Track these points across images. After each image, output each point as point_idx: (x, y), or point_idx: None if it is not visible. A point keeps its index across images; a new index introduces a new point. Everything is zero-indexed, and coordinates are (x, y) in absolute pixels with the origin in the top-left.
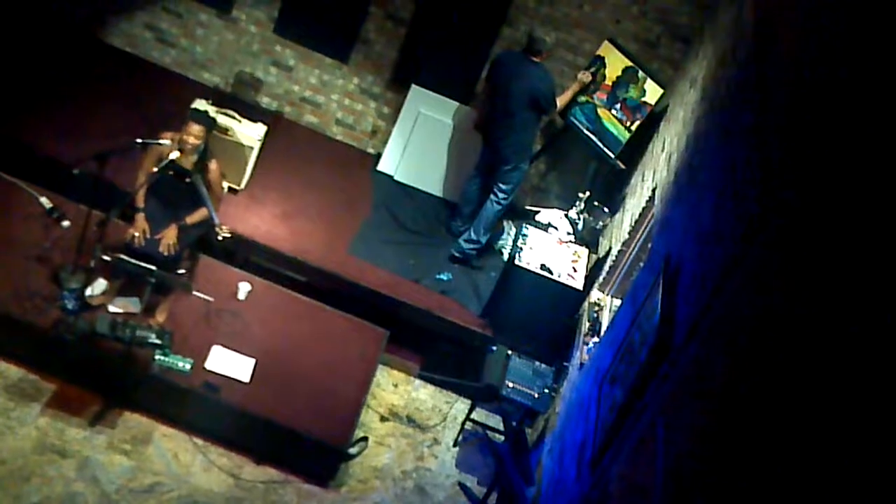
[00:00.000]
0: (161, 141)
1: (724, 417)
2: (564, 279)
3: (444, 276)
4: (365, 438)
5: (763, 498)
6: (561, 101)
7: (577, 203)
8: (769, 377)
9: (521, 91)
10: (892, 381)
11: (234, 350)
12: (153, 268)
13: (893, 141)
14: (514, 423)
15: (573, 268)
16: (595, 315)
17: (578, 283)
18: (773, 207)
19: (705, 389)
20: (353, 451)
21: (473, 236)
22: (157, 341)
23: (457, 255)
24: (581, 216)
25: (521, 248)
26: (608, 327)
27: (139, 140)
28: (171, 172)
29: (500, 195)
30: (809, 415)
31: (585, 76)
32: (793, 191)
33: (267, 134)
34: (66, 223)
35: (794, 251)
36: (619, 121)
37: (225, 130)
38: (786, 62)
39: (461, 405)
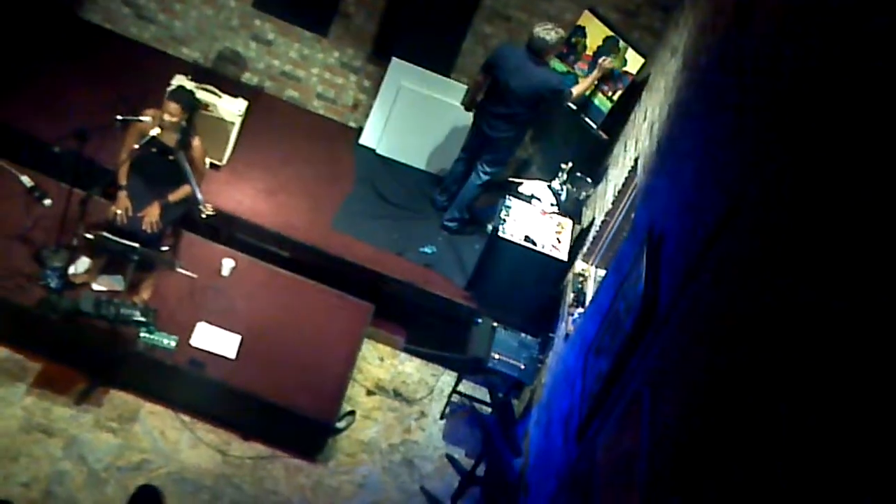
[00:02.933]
0: (142, 118)
1: (709, 386)
2: (548, 250)
3: (427, 250)
4: (352, 412)
5: (748, 466)
6: (578, 90)
7: (560, 174)
8: (754, 346)
9: (524, 91)
10: (875, 348)
11: (219, 326)
12: (136, 245)
13: (868, 114)
14: (500, 395)
15: (557, 239)
16: (580, 286)
17: (563, 254)
18: (754, 177)
19: (690, 358)
20: (340, 425)
21: (456, 214)
22: (142, 319)
23: (445, 231)
24: (564, 187)
25: (505, 220)
26: (593, 298)
27: (119, 117)
28: (153, 149)
29: (484, 177)
30: (796, 383)
31: (608, 63)
32: (772, 161)
33: (248, 109)
34: (47, 202)
35: (775, 222)
36: (601, 91)
37: (206, 106)
38: (763, 34)
39: (447, 378)
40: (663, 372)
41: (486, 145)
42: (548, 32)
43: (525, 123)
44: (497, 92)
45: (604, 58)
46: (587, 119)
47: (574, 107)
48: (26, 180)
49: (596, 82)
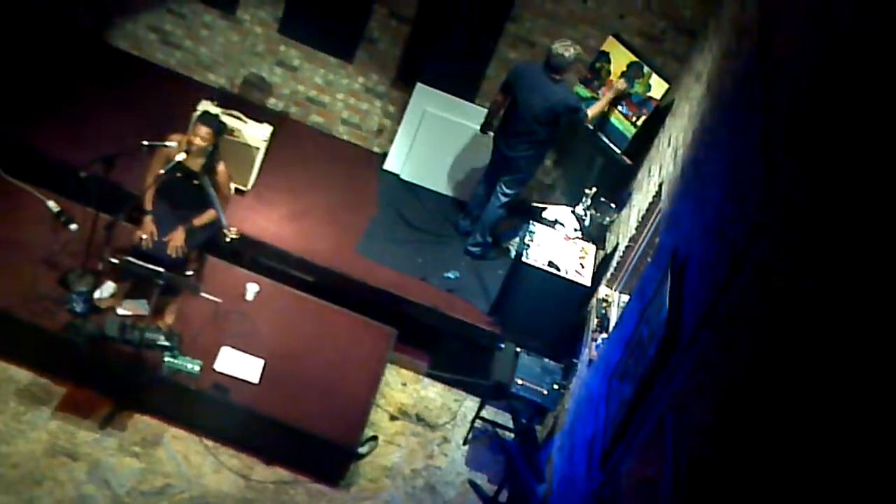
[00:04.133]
0: (167, 143)
1: (732, 412)
2: (572, 276)
3: (451, 275)
4: (374, 438)
5: (773, 492)
6: (593, 111)
7: (584, 199)
8: (778, 371)
9: (540, 108)
10: None
11: (243, 351)
12: (161, 270)
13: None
14: (523, 421)
15: (580, 264)
16: (603, 311)
17: (586, 280)
18: (778, 202)
19: (714, 384)
20: (362, 450)
21: (479, 238)
22: (166, 343)
23: (469, 256)
24: (588, 212)
25: (528, 245)
26: (617, 323)
27: (145, 142)
28: (178, 174)
29: (503, 198)
30: (818, 409)
31: (621, 84)
32: (796, 186)
33: (273, 134)
34: (73, 226)
35: (799, 246)
36: (625, 116)
37: (231, 131)
38: (788, 58)
39: (470, 403)
40: (687, 398)
41: (505, 165)
42: (566, 49)
43: (543, 143)
44: (515, 110)
45: (618, 79)
46: (611, 144)
47: (591, 127)
48: (53, 205)
49: (610, 103)
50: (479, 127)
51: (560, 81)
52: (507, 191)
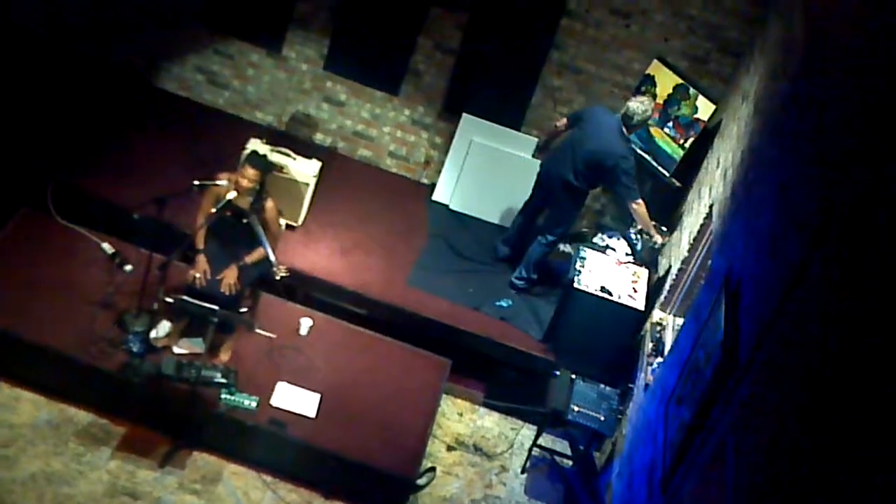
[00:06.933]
0: (218, 182)
1: (794, 433)
2: (625, 300)
3: (503, 303)
4: (433, 469)
5: None
6: (641, 211)
7: (635, 223)
8: (840, 391)
9: (591, 149)
10: None
11: (299, 385)
12: (215, 308)
13: None
14: (581, 448)
15: (633, 288)
16: (658, 335)
17: (639, 304)
18: (832, 219)
19: (774, 406)
20: (421, 481)
21: (524, 273)
22: (223, 380)
23: (513, 290)
24: (639, 236)
25: (580, 271)
26: (672, 347)
27: (196, 182)
28: (228, 213)
29: (549, 237)
30: (882, 430)
31: (659, 235)
32: (850, 202)
33: (322, 170)
34: (128, 267)
35: (855, 262)
36: (673, 139)
37: (280, 168)
38: (837, 75)
39: (527, 431)
40: (747, 420)
41: (550, 200)
42: (641, 103)
43: (578, 190)
44: (569, 143)
45: (659, 232)
46: (659, 167)
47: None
48: (107, 247)
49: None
50: (531, 153)
51: (628, 141)
52: (549, 235)
